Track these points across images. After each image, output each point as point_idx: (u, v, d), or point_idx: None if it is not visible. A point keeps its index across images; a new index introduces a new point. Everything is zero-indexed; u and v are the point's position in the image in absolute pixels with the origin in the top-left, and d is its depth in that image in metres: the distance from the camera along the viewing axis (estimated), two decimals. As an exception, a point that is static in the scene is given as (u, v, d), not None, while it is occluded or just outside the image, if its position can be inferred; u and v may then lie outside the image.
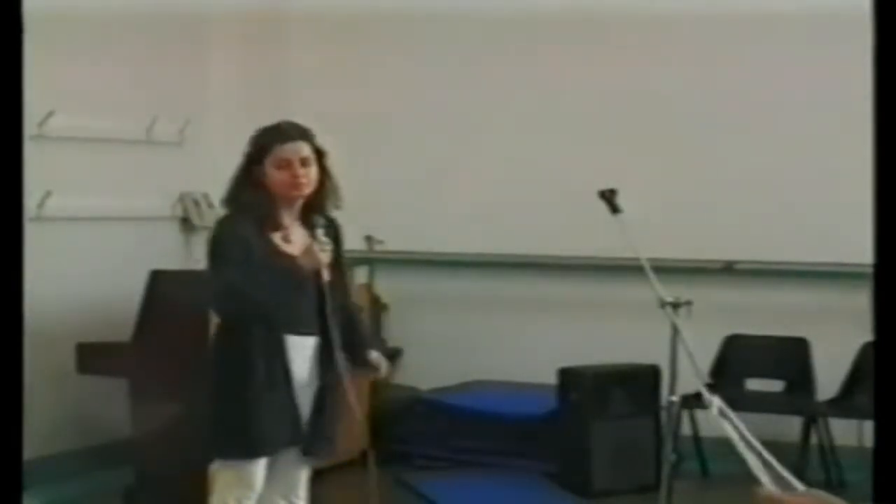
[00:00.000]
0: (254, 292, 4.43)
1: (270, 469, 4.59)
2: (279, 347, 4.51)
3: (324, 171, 4.60)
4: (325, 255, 4.50)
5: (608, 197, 5.52)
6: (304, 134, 4.59)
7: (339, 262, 4.64)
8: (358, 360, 4.68)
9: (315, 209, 4.61)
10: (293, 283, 4.48)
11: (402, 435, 7.64)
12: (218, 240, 4.55)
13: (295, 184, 4.53)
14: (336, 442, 4.64)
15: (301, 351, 4.55)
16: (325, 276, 4.50)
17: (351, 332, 4.64)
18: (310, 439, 4.59)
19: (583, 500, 6.92)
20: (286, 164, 4.53)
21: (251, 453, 4.52)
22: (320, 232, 4.54)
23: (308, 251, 4.50)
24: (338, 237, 4.65)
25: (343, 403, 4.59)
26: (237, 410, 4.48)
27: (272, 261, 4.48)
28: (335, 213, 4.71)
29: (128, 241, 7.29)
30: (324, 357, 4.58)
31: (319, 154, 4.60)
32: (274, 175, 4.53)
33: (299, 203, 4.59)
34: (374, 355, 4.77)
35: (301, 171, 4.53)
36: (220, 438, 4.52)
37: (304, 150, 4.55)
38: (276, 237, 4.54)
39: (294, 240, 4.57)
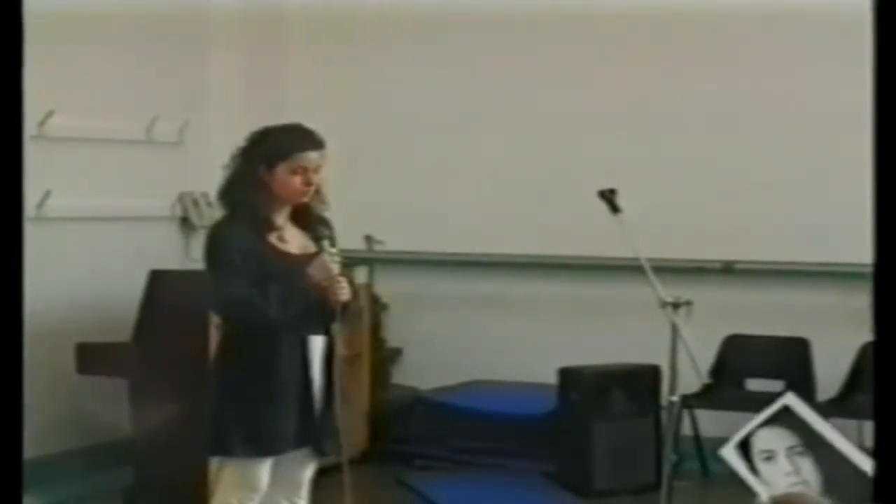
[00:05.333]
0: (259, 297, 4.42)
1: (275, 469, 4.59)
2: (296, 348, 4.51)
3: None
4: (335, 266, 4.50)
5: (608, 197, 5.53)
6: (321, 142, 4.58)
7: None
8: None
9: (304, 210, 4.61)
10: (311, 294, 4.47)
11: (402, 435, 7.64)
12: (217, 246, 4.52)
13: (305, 191, 4.53)
14: (343, 438, 4.62)
15: (315, 350, 4.56)
16: (345, 295, 4.51)
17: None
18: (320, 437, 4.58)
19: (583, 500, 6.92)
20: (302, 171, 4.52)
21: (265, 451, 4.52)
22: (326, 243, 4.54)
23: (319, 263, 4.49)
24: (334, 239, 4.65)
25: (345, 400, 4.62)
26: (252, 409, 4.47)
27: (274, 263, 4.47)
28: (333, 214, 4.72)
29: (128, 241, 7.28)
30: (328, 355, 4.59)
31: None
32: (286, 179, 4.51)
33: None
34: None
35: (314, 178, 4.53)
36: (233, 436, 4.50)
37: (320, 157, 4.56)
38: (273, 238, 4.53)
39: (288, 239, 4.57)
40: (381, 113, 8.27)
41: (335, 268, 4.50)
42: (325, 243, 4.54)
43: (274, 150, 4.53)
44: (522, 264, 8.08)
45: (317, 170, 4.55)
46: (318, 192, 4.61)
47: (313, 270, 4.48)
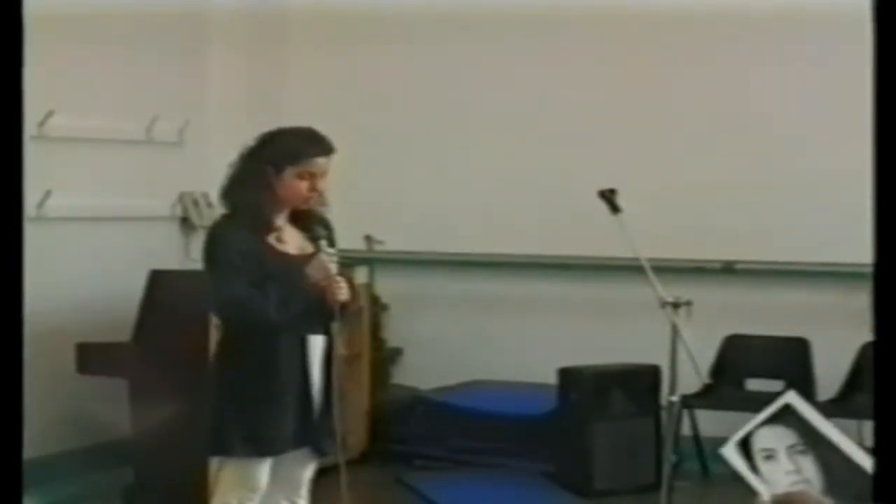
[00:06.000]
0: (258, 298, 4.42)
1: (275, 469, 4.59)
2: (296, 348, 4.51)
3: None
4: (333, 266, 4.49)
5: (608, 197, 5.52)
6: (332, 148, 4.57)
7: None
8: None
9: (304, 210, 4.61)
10: (310, 295, 4.47)
11: (402, 435, 7.64)
12: (216, 246, 4.52)
13: (310, 197, 4.52)
14: (340, 438, 4.62)
15: (314, 349, 4.56)
16: (343, 295, 4.50)
17: None
18: (319, 437, 4.58)
19: (583, 500, 6.92)
20: (309, 177, 4.51)
21: (264, 451, 4.52)
22: (324, 243, 4.53)
23: (317, 263, 4.48)
24: (333, 239, 4.64)
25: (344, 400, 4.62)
26: (252, 409, 4.47)
27: (273, 263, 4.47)
28: (333, 214, 4.71)
29: (128, 241, 7.28)
30: (327, 355, 4.59)
31: None
32: (292, 184, 4.49)
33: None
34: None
35: (320, 184, 4.53)
36: (232, 436, 4.50)
37: (328, 163, 4.55)
38: (272, 238, 4.53)
39: (287, 240, 4.57)
40: (381, 113, 8.26)
41: (333, 267, 4.49)
42: (323, 243, 4.53)
43: (283, 152, 4.51)
44: (522, 264, 8.08)
45: (323, 175, 4.54)
46: (319, 193, 4.61)
47: (311, 270, 4.47)
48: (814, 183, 7.48)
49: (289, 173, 4.49)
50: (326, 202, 4.65)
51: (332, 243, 4.57)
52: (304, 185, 4.51)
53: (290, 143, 4.54)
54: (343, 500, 4.65)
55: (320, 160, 4.52)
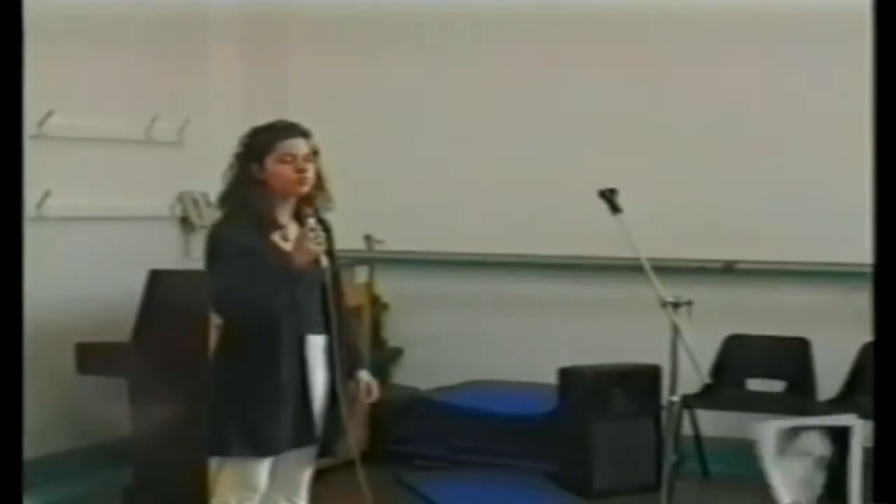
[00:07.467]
0: (259, 294, 4.42)
1: (274, 469, 4.60)
2: (295, 347, 4.51)
3: (317, 170, 4.62)
4: (316, 245, 4.48)
5: (608, 197, 5.51)
6: (304, 131, 4.61)
7: (333, 258, 4.62)
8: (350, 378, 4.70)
9: (308, 207, 4.61)
10: (300, 281, 4.48)
11: (402, 435, 7.64)
12: (217, 241, 4.53)
13: (300, 179, 4.54)
14: (348, 439, 4.62)
15: (314, 350, 4.56)
16: (324, 262, 4.49)
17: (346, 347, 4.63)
18: (324, 437, 4.59)
19: (583, 500, 6.92)
20: (290, 159, 4.54)
21: (262, 451, 4.52)
22: (311, 222, 4.53)
23: (300, 244, 4.49)
24: (329, 236, 4.64)
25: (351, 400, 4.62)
26: (251, 409, 4.47)
27: (275, 260, 4.47)
28: (332, 214, 4.71)
29: (128, 241, 7.28)
30: (330, 354, 4.59)
31: (314, 153, 4.62)
32: (277, 170, 4.53)
33: (293, 201, 4.59)
34: (365, 377, 4.77)
35: (305, 166, 4.55)
36: (231, 436, 4.50)
37: (307, 146, 4.58)
38: (276, 236, 4.54)
39: (291, 238, 4.57)
40: (381, 113, 8.27)
41: (317, 247, 4.47)
42: (311, 221, 4.53)
43: (259, 145, 4.57)
44: (522, 264, 8.08)
45: (307, 158, 4.56)
46: (321, 189, 4.62)
47: (296, 253, 4.48)
48: (814, 183, 7.47)
49: (270, 161, 4.54)
50: (331, 198, 4.66)
51: (328, 238, 4.57)
52: (287, 169, 4.54)
53: (261, 135, 4.61)
54: (364, 492, 4.64)
55: (294, 141, 4.56)
